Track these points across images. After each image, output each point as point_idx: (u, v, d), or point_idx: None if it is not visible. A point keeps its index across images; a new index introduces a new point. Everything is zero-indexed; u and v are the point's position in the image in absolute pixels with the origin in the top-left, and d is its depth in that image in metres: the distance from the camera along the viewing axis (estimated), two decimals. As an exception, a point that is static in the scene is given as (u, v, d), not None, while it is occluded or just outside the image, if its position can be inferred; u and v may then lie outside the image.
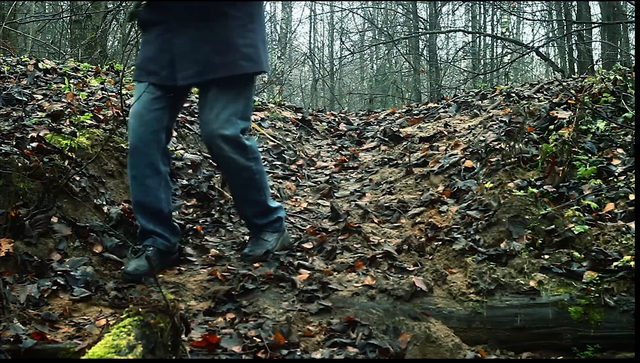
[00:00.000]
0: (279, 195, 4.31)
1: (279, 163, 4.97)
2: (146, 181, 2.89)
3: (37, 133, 3.56)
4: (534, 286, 2.86)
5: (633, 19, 9.03)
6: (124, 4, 8.49)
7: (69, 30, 8.69)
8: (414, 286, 2.82)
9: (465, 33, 15.16)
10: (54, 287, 2.70)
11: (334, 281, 2.90)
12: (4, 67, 5.15)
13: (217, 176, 4.33)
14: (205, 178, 4.17)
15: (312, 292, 2.79)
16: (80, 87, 5.04)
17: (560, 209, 3.40)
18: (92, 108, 4.30)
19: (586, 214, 3.31)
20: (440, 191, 4.06)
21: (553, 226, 3.22)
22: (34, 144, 3.42)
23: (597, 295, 2.77)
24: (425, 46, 14.71)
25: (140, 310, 1.91)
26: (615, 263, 2.87)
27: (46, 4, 11.93)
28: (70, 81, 5.09)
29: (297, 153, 5.31)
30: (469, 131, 5.18)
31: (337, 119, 6.70)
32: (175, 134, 4.51)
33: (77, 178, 3.37)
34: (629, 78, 4.91)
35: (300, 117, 6.24)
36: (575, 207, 3.37)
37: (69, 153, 3.50)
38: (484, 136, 4.76)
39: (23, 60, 5.72)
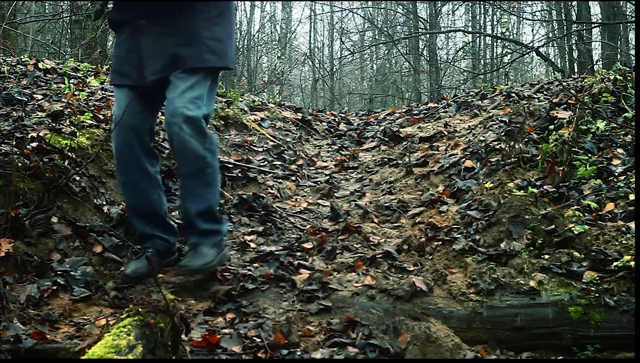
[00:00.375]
0: (279, 195, 4.31)
1: (279, 163, 4.97)
2: (137, 186, 2.87)
3: (37, 133, 3.56)
4: (534, 286, 2.86)
5: (633, 19, 9.03)
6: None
7: (69, 30, 8.69)
8: (414, 286, 2.83)
9: (465, 33, 15.16)
10: (54, 287, 2.71)
11: (334, 281, 2.90)
12: (4, 67, 5.15)
13: (217, 176, 4.34)
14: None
15: (312, 292, 2.80)
16: (80, 87, 5.04)
17: (560, 209, 3.40)
18: (92, 108, 4.30)
19: (586, 214, 3.31)
20: (440, 191, 4.06)
21: (553, 226, 3.22)
22: (34, 144, 3.42)
23: (597, 295, 2.77)
24: (425, 46, 14.71)
25: (140, 310, 1.91)
26: (615, 263, 2.87)
27: (46, 4, 11.93)
28: (70, 81, 5.09)
29: (297, 153, 5.31)
30: (469, 131, 5.18)
31: (337, 119, 6.70)
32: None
33: (77, 178, 3.36)
34: (629, 78, 4.91)
35: (300, 117, 6.24)
36: (575, 207, 3.37)
37: (69, 153, 3.50)
38: (484, 136, 4.76)
39: (23, 60, 5.72)
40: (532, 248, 3.15)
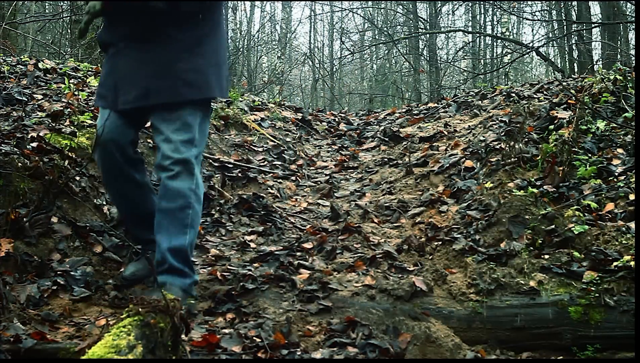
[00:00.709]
0: (279, 195, 4.31)
1: (279, 163, 4.97)
2: (128, 196, 2.79)
3: (37, 133, 3.56)
4: (534, 286, 2.86)
5: (633, 19, 9.03)
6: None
7: (69, 30, 8.69)
8: (414, 286, 2.82)
9: (465, 33, 15.15)
10: (54, 287, 2.71)
11: (334, 281, 2.90)
12: (4, 67, 5.15)
13: (217, 176, 4.33)
14: (205, 178, 4.17)
15: (312, 292, 2.80)
16: (80, 87, 5.04)
17: (560, 209, 3.40)
18: (92, 108, 4.30)
19: (586, 214, 3.31)
20: (440, 191, 4.06)
21: (553, 226, 3.22)
22: (34, 144, 3.42)
23: (597, 295, 2.77)
24: (425, 45, 14.71)
25: (140, 310, 1.91)
26: (615, 263, 2.87)
27: (46, 4, 11.93)
28: (70, 81, 5.09)
29: (297, 153, 5.31)
30: (469, 131, 5.18)
31: (337, 119, 6.70)
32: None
33: (77, 178, 3.37)
34: (629, 78, 4.91)
35: (300, 117, 6.24)
36: (575, 207, 3.37)
37: (69, 153, 3.50)
38: (484, 136, 4.76)
39: (23, 60, 5.72)
40: (532, 248, 3.15)
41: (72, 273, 2.82)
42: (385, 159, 5.05)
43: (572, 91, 5.06)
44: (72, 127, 3.83)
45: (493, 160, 4.21)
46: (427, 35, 13.98)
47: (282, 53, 16.54)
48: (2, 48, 6.69)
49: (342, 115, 7.07)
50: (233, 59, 13.35)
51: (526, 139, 4.32)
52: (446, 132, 5.27)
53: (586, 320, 2.74)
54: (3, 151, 3.20)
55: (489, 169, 4.12)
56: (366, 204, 4.08)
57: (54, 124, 3.81)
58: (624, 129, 4.16)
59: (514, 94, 5.81)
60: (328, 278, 2.93)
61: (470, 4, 14.71)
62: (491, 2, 13.45)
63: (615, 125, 4.24)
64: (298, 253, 3.27)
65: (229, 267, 3.05)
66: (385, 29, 15.52)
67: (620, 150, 3.99)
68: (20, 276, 2.74)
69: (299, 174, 4.85)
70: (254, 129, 5.44)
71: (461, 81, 13.40)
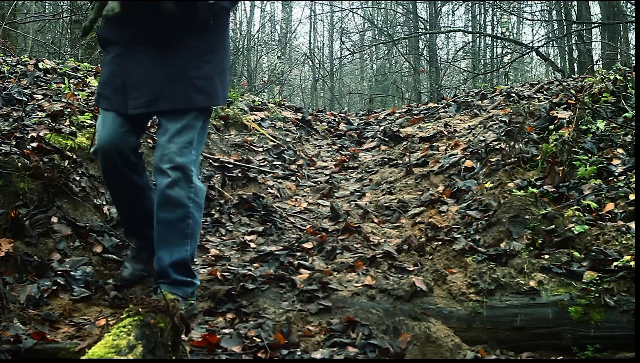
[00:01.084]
0: (279, 195, 4.31)
1: (279, 163, 4.97)
2: (131, 199, 2.75)
3: (37, 133, 3.56)
4: (534, 286, 2.86)
5: (633, 19, 9.03)
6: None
7: (69, 30, 8.69)
8: (414, 286, 2.82)
9: (465, 33, 15.15)
10: (54, 287, 2.70)
11: (334, 281, 2.90)
12: (4, 67, 5.15)
13: (217, 176, 4.33)
14: (205, 178, 4.17)
15: (312, 292, 2.80)
16: (80, 87, 5.04)
17: (560, 209, 3.40)
18: (92, 108, 4.30)
19: (586, 214, 3.31)
20: (440, 191, 4.06)
21: (553, 226, 3.22)
22: (34, 144, 3.42)
23: (597, 295, 2.77)
24: (425, 46, 14.70)
25: (140, 310, 1.91)
26: (615, 263, 2.87)
27: (46, 4, 11.93)
28: (70, 81, 5.09)
29: (297, 153, 5.31)
30: (469, 131, 5.18)
31: (337, 119, 6.70)
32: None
33: (77, 178, 3.37)
34: (629, 78, 4.91)
35: (300, 117, 6.24)
36: (575, 207, 3.37)
37: (69, 153, 3.50)
38: (484, 136, 4.76)
39: (23, 60, 5.72)
40: (532, 248, 3.15)
41: (72, 273, 2.82)
42: (385, 159, 5.05)
43: (572, 91, 5.06)
44: (72, 127, 3.83)
45: (493, 160, 4.21)
46: (427, 35, 13.98)
47: (282, 53, 16.55)
48: (2, 48, 6.69)
49: (342, 115, 7.07)
50: (233, 59, 13.35)
51: (526, 139, 4.32)
52: (446, 132, 5.27)
53: (586, 320, 2.74)
54: (3, 151, 3.20)
55: (489, 169, 4.12)
56: (366, 204, 4.08)
57: (54, 124, 3.81)
58: (624, 129, 4.16)
59: (514, 94, 5.81)
60: (328, 278, 2.93)
61: (470, 4, 14.71)
62: (491, 2, 13.45)
63: (615, 125, 4.24)
64: (298, 253, 3.27)
65: (229, 267, 3.05)
66: (385, 29, 15.52)
67: (620, 150, 3.99)
68: (20, 276, 2.74)
69: (299, 174, 4.85)
70: (254, 129, 5.44)
71: (461, 81, 13.40)
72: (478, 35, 14.98)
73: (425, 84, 15.22)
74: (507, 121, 4.93)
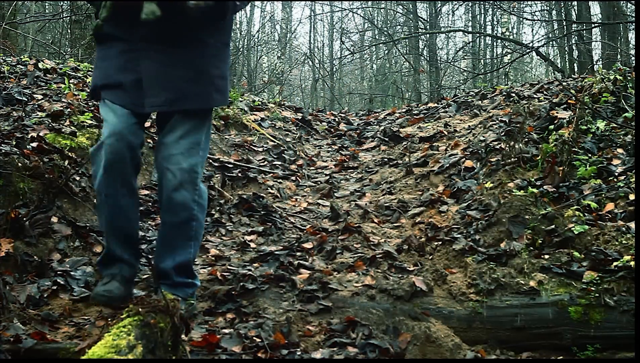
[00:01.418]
0: (279, 195, 4.31)
1: (279, 163, 4.97)
2: (120, 201, 2.54)
3: (37, 133, 3.56)
4: (534, 286, 2.86)
5: (633, 19, 9.03)
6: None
7: (69, 30, 8.69)
8: (414, 286, 2.82)
9: (465, 33, 15.15)
10: (54, 287, 2.70)
11: (334, 281, 2.90)
12: (4, 67, 5.15)
13: (217, 176, 4.33)
14: (205, 178, 4.17)
15: (312, 292, 2.80)
16: (80, 87, 5.04)
17: (560, 209, 3.40)
18: (92, 108, 4.31)
19: (586, 214, 3.31)
20: (440, 191, 4.06)
21: (553, 226, 3.22)
22: (34, 144, 3.42)
23: (597, 295, 2.77)
24: (425, 45, 14.71)
25: (140, 310, 1.92)
26: (615, 263, 2.87)
27: (46, 4, 11.93)
28: (70, 81, 5.09)
29: (297, 153, 5.31)
30: (469, 131, 5.18)
31: (337, 119, 6.70)
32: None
33: (77, 178, 3.37)
34: (629, 78, 4.91)
35: (300, 117, 6.24)
36: (575, 207, 3.37)
37: (69, 153, 3.50)
38: (484, 136, 4.76)
39: (23, 60, 5.72)
40: (532, 248, 3.15)
41: (72, 273, 2.82)
42: (385, 159, 5.05)
43: (572, 91, 5.06)
44: (72, 127, 3.83)
45: (493, 160, 4.21)
46: (427, 35, 13.98)
47: (282, 53, 16.54)
48: (2, 48, 6.70)
49: (342, 115, 7.07)
50: (233, 59, 13.35)
51: (526, 139, 4.32)
52: (446, 132, 5.27)
53: (586, 320, 2.74)
54: (3, 151, 3.20)
55: (489, 169, 4.12)
56: (366, 204, 4.08)
57: (54, 124, 3.81)
58: (624, 129, 4.16)
59: (514, 94, 5.81)
60: (328, 278, 2.93)
61: (470, 4, 14.71)
62: (491, 2, 13.45)
63: (615, 125, 4.24)
64: (298, 253, 3.27)
65: (229, 267, 3.05)
66: (385, 29, 15.53)
67: (620, 150, 3.99)
68: (20, 276, 2.74)
69: (299, 174, 4.85)
70: (254, 129, 5.44)
71: (461, 81, 13.40)
72: (478, 35, 14.98)
73: (425, 84, 15.23)
74: (507, 121, 4.93)
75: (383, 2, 16.59)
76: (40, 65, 5.47)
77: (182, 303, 2.46)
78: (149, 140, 4.20)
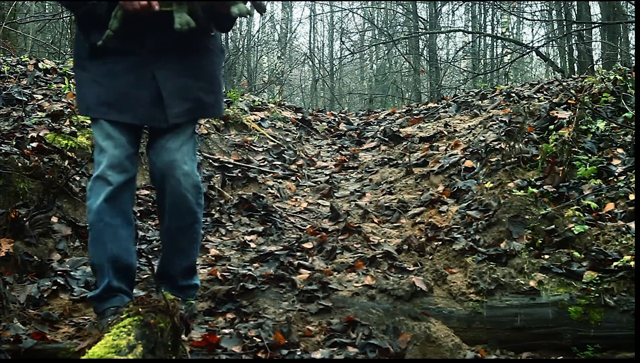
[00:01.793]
0: (279, 195, 4.31)
1: (279, 163, 4.97)
2: (120, 232, 2.45)
3: (37, 133, 3.56)
4: (534, 286, 2.86)
5: (633, 19, 9.03)
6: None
7: (69, 30, 8.69)
8: (414, 286, 2.82)
9: (465, 33, 15.15)
10: (54, 287, 2.71)
11: (334, 281, 2.90)
12: (4, 67, 5.15)
13: (217, 176, 4.33)
14: (205, 178, 4.17)
15: (312, 292, 2.80)
16: (80, 87, 5.03)
17: (560, 209, 3.40)
18: (92, 108, 4.30)
19: (586, 214, 3.31)
20: (440, 191, 4.06)
21: (553, 226, 3.22)
22: (34, 144, 3.43)
23: (597, 295, 2.77)
24: (425, 46, 14.71)
25: (140, 310, 1.91)
26: (615, 263, 2.87)
27: (46, 4, 11.93)
28: (70, 81, 5.09)
29: (297, 153, 5.31)
30: (469, 131, 5.18)
31: (337, 119, 6.70)
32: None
33: (77, 178, 3.37)
34: (629, 78, 4.91)
35: (300, 117, 6.24)
36: (575, 207, 3.37)
37: (69, 153, 3.50)
38: (484, 136, 4.76)
39: (23, 60, 5.72)
40: (532, 248, 3.15)
41: (72, 273, 2.82)
42: (385, 159, 5.05)
43: (572, 91, 5.06)
44: (72, 127, 3.83)
45: (493, 160, 4.21)
46: (427, 35, 13.98)
47: (282, 53, 16.54)
48: (2, 48, 6.70)
49: (342, 115, 7.07)
50: (233, 59, 13.35)
51: (526, 139, 4.32)
52: (446, 132, 5.27)
53: (586, 320, 2.74)
54: (3, 151, 3.20)
55: (489, 169, 4.12)
56: (366, 204, 4.08)
57: (54, 124, 3.81)
58: (624, 129, 4.16)
59: (514, 94, 5.81)
60: (328, 278, 2.93)
61: (470, 4, 14.71)
62: (491, 2, 13.45)
63: (615, 125, 4.24)
64: (298, 253, 3.27)
65: (229, 267, 3.05)
66: (385, 29, 15.53)
67: (620, 150, 3.99)
68: (20, 276, 2.75)
69: (299, 174, 4.85)
70: (254, 129, 5.44)
71: (461, 81, 13.41)
72: (478, 35, 14.98)
73: (425, 84, 15.23)
74: (507, 121, 4.93)
75: (383, 2, 16.59)
76: (40, 65, 5.47)
77: (181, 304, 2.45)
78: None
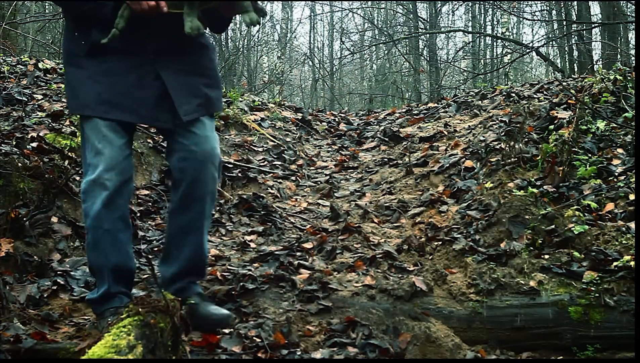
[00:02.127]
0: (279, 195, 4.31)
1: (279, 163, 4.97)
2: (119, 236, 2.41)
3: (37, 133, 3.57)
4: (534, 286, 2.86)
5: (633, 19, 9.03)
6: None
7: (68, 30, 8.67)
8: (414, 286, 2.83)
9: (465, 33, 15.15)
10: (54, 287, 2.71)
11: (334, 281, 2.90)
12: (4, 67, 5.15)
13: (217, 176, 4.33)
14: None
15: (312, 292, 2.80)
16: (80, 87, 5.03)
17: (560, 209, 3.40)
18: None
19: (586, 214, 3.31)
20: (440, 191, 4.06)
21: (553, 226, 3.22)
22: (34, 144, 3.43)
23: (597, 295, 2.77)
24: (425, 46, 14.71)
25: (140, 310, 1.91)
26: (615, 263, 2.87)
27: (46, 4, 11.92)
28: (70, 81, 5.08)
29: (297, 153, 5.31)
30: (469, 131, 5.18)
31: (337, 119, 6.70)
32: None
33: (77, 178, 3.37)
34: (629, 78, 4.91)
35: (300, 117, 6.24)
36: (575, 207, 3.37)
37: (69, 153, 3.50)
38: (484, 136, 4.76)
39: (23, 60, 5.72)
40: (532, 248, 3.15)
41: (72, 273, 2.82)
42: (385, 159, 5.05)
43: (572, 91, 5.06)
44: (72, 127, 3.83)
45: (493, 160, 4.21)
46: (427, 35, 13.98)
47: (282, 53, 16.54)
48: (2, 48, 6.70)
49: (342, 115, 7.07)
50: (233, 59, 13.35)
51: (526, 139, 4.32)
52: (446, 132, 5.27)
53: (586, 320, 2.74)
54: (3, 151, 3.20)
55: (489, 169, 4.12)
56: (366, 204, 4.08)
57: (54, 124, 3.81)
58: (624, 129, 4.16)
59: (514, 94, 5.81)
60: (328, 278, 2.93)
61: (470, 4, 14.71)
62: (491, 2, 13.45)
63: (615, 125, 4.24)
64: (298, 253, 3.27)
65: (229, 267, 3.05)
66: (385, 29, 15.53)
67: (620, 150, 3.99)
68: (20, 276, 2.75)
69: (299, 174, 4.85)
70: (254, 129, 5.44)
71: (461, 81, 13.41)
72: (478, 35, 14.98)
73: (425, 84, 15.22)
74: (507, 121, 4.93)
75: (383, 2, 16.59)
76: (40, 65, 5.47)
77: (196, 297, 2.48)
78: (148, 140, 4.20)
